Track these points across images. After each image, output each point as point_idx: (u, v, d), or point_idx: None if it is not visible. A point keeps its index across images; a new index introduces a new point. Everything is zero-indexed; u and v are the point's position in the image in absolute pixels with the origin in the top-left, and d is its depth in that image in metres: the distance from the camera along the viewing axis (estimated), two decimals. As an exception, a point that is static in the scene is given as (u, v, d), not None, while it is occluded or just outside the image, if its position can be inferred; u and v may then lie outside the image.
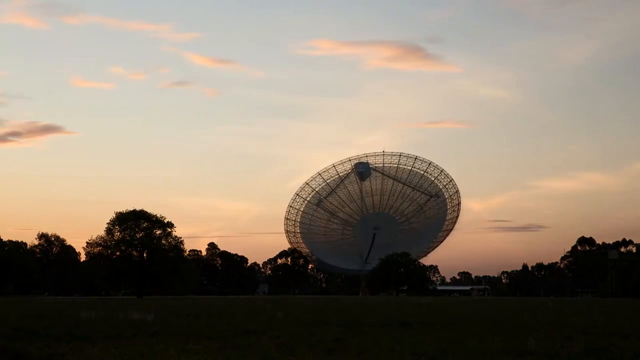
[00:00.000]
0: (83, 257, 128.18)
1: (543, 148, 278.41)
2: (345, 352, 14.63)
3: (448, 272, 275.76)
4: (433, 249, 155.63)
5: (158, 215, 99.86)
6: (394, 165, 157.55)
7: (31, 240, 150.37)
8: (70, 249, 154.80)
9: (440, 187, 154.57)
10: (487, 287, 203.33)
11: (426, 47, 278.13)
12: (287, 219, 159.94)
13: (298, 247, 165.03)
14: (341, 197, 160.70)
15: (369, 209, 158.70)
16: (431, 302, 62.07)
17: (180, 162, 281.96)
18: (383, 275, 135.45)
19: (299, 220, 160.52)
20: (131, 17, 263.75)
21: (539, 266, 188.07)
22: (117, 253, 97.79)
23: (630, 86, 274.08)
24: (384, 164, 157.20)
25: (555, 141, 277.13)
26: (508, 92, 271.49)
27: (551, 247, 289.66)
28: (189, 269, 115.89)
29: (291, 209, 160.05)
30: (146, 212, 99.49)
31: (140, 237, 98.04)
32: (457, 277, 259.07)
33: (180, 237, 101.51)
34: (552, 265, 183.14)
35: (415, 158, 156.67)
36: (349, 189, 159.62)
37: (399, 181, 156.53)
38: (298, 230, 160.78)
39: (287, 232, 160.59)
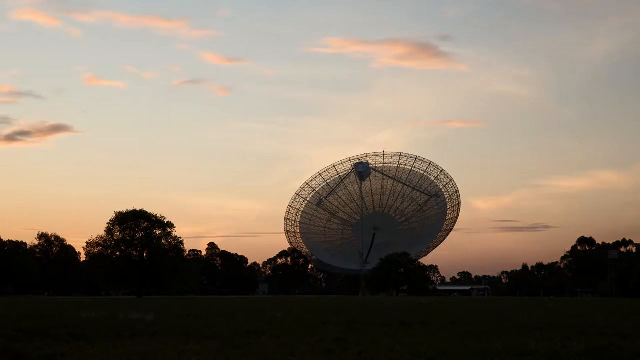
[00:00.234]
0: (83, 257, 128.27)
1: (555, 146, 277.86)
2: (345, 352, 14.63)
3: (448, 272, 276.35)
4: (433, 249, 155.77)
5: (158, 215, 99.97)
6: (394, 165, 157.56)
7: (31, 240, 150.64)
8: (70, 249, 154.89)
9: (440, 187, 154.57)
10: (487, 287, 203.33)
11: (438, 44, 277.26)
12: (287, 219, 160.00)
13: (298, 247, 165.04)
14: (341, 197, 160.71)
15: (369, 209, 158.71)
16: (431, 302, 62.06)
17: (188, 161, 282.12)
18: (383, 275, 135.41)
19: (299, 220, 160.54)
20: (143, 13, 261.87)
21: (539, 266, 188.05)
22: (117, 253, 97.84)
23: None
24: (384, 164, 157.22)
25: (568, 139, 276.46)
26: (521, 90, 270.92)
27: (551, 247, 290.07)
28: (189, 269, 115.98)
29: (291, 209, 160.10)
30: (146, 212, 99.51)
31: (140, 237, 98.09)
32: (457, 277, 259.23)
33: (180, 237, 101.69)
34: (552, 265, 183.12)
35: (415, 158, 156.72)
36: (349, 189, 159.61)
37: (399, 181, 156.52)
38: (298, 230, 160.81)
39: (287, 232, 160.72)
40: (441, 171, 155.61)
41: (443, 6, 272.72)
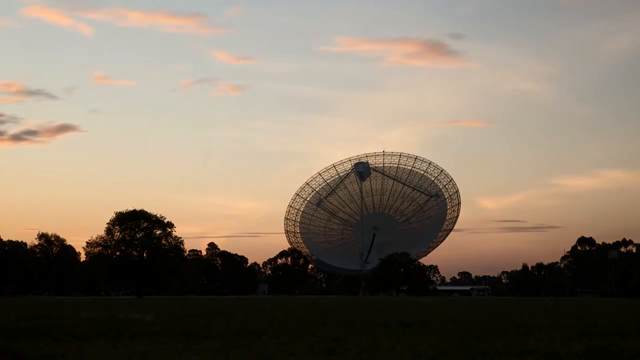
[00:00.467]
0: (83, 257, 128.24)
1: (564, 145, 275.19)
2: (345, 352, 14.62)
3: (448, 272, 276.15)
4: (433, 249, 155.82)
5: (158, 215, 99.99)
6: (394, 165, 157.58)
7: (31, 240, 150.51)
8: (70, 249, 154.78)
9: (440, 187, 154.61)
10: (487, 287, 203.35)
11: (450, 42, 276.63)
12: (287, 219, 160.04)
13: (298, 247, 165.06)
14: (341, 197, 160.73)
15: (368, 209, 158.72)
16: (431, 302, 62.06)
17: (194, 160, 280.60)
18: (383, 275, 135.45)
19: (299, 220, 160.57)
20: (153, 11, 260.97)
21: (539, 266, 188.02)
22: (117, 253, 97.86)
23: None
24: (384, 164, 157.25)
25: (579, 138, 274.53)
26: (534, 88, 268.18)
27: (551, 247, 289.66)
28: (188, 269, 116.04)
29: (291, 209, 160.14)
30: (146, 212, 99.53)
31: (140, 237, 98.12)
32: (457, 277, 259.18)
33: (180, 237, 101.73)
34: (552, 265, 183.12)
35: (415, 158, 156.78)
36: (349, 189, 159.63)
37: (399, 181, 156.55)
38: (298, 230, 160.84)
39: (287, 232, 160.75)
40: (441, 171, 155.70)
41: (455, 3, 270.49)
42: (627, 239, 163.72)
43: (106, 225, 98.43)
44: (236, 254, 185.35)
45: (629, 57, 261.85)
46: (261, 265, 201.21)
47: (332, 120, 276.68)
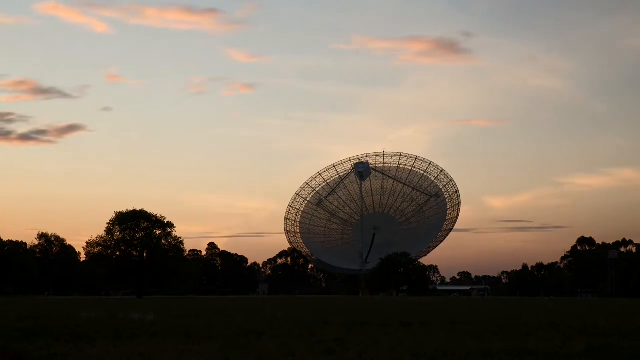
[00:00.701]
0: (83, 257, 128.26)
1: (578, 143, 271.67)
2: (345, 352, 14.63)
3: (448, 272, 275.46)
4: (433, 249, 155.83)
5: (158, 215, 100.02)
6: (394, 165, 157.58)
7: (31, 240, 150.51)
8: (70, 249, 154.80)
9: (440, 187, 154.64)
10: (487, 287, 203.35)
11: (462, 41, 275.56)
12: (287, 219, 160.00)
13: (298, 247, 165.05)
14: (341, 197, 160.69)
15: (369, 209, 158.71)
16: (431, 302, 62.08)
17: (201, 159, 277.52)
18: (383, 275, 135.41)
19: (298, 220, 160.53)
20: (168, 7, 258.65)
21: (539, 266, 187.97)
22: (117, 253, 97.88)
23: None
24: (384, 164, 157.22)
25: (590, 136, 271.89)
26: (552, 85, 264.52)
27: (551, 247, 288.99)
28: (188, 269, 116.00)
29: (291, 209, 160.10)
30: (146, 212, 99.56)
31: (140, 237, 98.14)
32: (457, 277, 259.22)
33: (180, 237, 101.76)
34: (552, 265, 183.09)
35: (416, 158, 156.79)
36: (349, 189, 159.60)
37: (399, 181, 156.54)
38: (298, 230, 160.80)
39: (287, 232, 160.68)
40: (441, 171, 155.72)
41: (467, 1, 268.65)
42: (627, 239, 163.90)
43: (106, 225, 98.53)
44: (236, 254, 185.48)
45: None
46: (261, 265, 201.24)
47: (343, 118, 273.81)
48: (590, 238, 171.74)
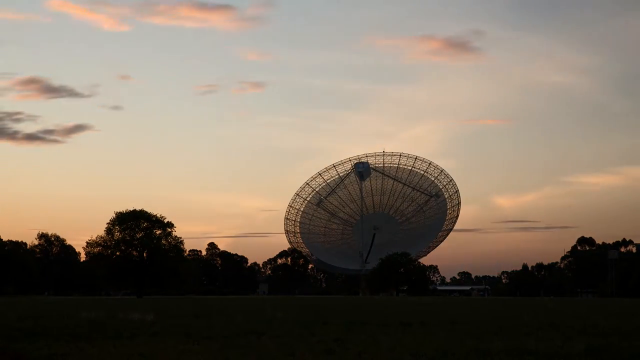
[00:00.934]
0: (83, 257, 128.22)
1: (592, 141, 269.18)
2: (345, 352, 14.63)
3: (448, 272, 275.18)
4: (433, 249, 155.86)
5: (158, 215, 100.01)
6: (394, 165, 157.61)
7: (31, 240, 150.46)
8: (70, 249, 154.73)
9: (440, 187, 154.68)
10: (487, 287, 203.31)
11: (473, 39, 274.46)
12: (287, 218, 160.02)
13: (298, 247, 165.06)
14: (341, 197, 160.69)
15: (368, 209, 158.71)
16: (431, 302, 62.08)
17: (206, 159, 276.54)
18: (383, 275, 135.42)
19: (298, 220, 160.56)
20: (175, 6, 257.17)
21: (539, 266, 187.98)
22: (117, 253, 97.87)
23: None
24: (384, 163, 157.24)
25: (607, 134, 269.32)
26: (571, 81, 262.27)
27: (551, 247, 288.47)
28: (188, 269, 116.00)
29: (291, 209, 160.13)
30: (146, 212, 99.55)
31: (140, 237, 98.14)
32: (457, 277, 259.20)
33: (180, 237, 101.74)
34: (552, 265, 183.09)
35: (416, 158, 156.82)
36: (349, 189, 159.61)
37: (399, 181, 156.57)
38: (298, 230, 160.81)
39: (287, 232, 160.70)
40: (441, 171, 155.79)
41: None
42: (627, 239, 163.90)
43: (106, 225, 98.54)
44: (236, 254, 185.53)
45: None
46: (261, 265, 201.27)
47: (352, 117, 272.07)
48: (590, 238, 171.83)
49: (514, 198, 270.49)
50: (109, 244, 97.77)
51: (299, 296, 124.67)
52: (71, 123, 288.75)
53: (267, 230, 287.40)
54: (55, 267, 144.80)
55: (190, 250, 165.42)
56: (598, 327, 22.81)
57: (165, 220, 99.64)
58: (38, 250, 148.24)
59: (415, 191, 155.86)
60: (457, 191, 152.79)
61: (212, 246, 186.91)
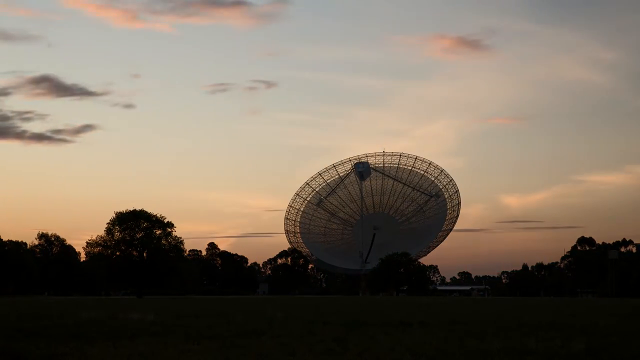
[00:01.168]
0: (83, 257, 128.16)
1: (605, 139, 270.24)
2: (346, 352, 14.62)
3: (448, 272, 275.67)
4: (433, 249, 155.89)
5: (158, 215, 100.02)
6: (394, 165, 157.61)
7: (31, 240, 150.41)
8: (70, 249, 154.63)
9: (440, 187, 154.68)
10: (487, 287, 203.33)
11: (485, 37, 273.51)
12: (287, 218, 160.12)
13: (298, 247, 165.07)
14: (341, 197, 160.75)
15: (369, 209, 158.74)
16: (431, 302, 62.07)
17: (221, 156, 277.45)
18: (383, 275, 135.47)
19: (299, 220, 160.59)
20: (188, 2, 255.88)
21: (539, 266, 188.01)
22: (117, 253, 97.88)
23: None
24: (384, 164, 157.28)
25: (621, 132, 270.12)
26: (591, 77, 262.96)
27: (551, 247, 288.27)
28: (188, 269, 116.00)
29: (291, 208, 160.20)
30: (146, 212, 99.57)
31: (140, 237, 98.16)
32: (457, 277, 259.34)
33: (180, 237, 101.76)
34: (552, 265, 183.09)
35: (416, 158, 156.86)
36: (349, 189, 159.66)
37: (399, 181, 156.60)
38: (298, 230, 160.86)
39: (287, 232, 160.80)
40: (441, 171, 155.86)
41: None
42: (627, 239, 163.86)
43: (106, 225, 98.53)
44: (236, 254, 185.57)
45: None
46: (261, 265, 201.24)
47: (368, 114, 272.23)
48: (590, 238, 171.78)
49: (521, 198, 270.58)
50: (109, 244, 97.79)
51: (299, 296, 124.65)
52: (79, 122, 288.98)
53: (273, 230, 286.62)
54: (55, 267, 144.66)
55: (190, 250, 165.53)
56: (598, 327, 22.80)
57: (165, 220, 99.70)
58: (38, 250, 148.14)
59: (415, 191, 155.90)
60: (457, 191, 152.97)
61: (212, 246, 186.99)
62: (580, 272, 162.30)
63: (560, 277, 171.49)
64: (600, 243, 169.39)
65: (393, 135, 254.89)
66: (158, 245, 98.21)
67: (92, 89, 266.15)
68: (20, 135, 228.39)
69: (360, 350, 14.98)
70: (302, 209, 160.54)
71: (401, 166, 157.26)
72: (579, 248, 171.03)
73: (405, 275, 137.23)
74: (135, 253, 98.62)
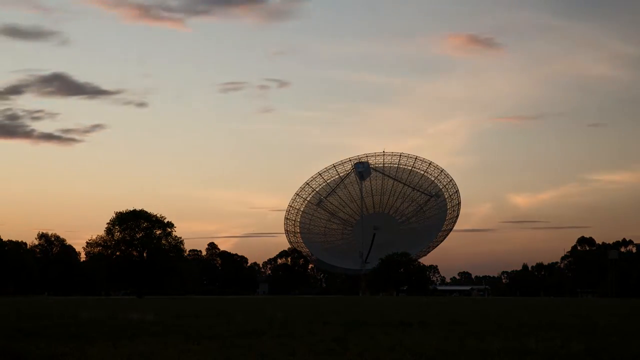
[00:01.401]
0: (83, 257, 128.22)
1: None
2: (346, 352, 14.62)
3: (448, 272, 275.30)
4: (433, 249, 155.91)
5: (158, 215, 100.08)
6: (394, 165, 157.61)
7: (31, 240, 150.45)
8: (70, 249, 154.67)
9: (440, 187, 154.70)
10: (487, 287, 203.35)
11: (496, 36, 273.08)
12: (287, 218, 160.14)
13: (298, 247, 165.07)
14: (341, 197, 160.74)
15: (369, 209, 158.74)
16: (431, 302, 62.07)
17: (229, 155, 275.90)
18: (383, 275, 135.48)
19: (299, 220, 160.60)
20: None
21: (539, 266, 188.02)
22: (117, 253, 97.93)
23: None
24: (384, 163, 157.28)
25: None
26: (609, 72, 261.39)
27: (551, 247, 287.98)
28: (188, 269, 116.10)
29: (291, 208, 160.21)
30: (146, 212, 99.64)
31: (140, 237, 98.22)
32: (457, 277, 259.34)
33: (180, 237, 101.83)
34: (552, 265, 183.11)
35: (416, 158, 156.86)
36: (349, 189, 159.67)
37: (399, 181, 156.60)
38: (298, 230, 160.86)
39: (287, 232, 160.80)
40: (441, 171, 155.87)
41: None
42: (627, 239, 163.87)
43: (106, 225, 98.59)
44: (236, 254, 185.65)
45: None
46: (261, 265, 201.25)
47: (378, 112, 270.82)
48: (590, 238, 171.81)
49: (526, 197, 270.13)
50: (109, 244, 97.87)
51: (299, 296, 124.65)
52: (90, 122, 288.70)
53: (277, 230, 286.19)
54: (55, 267, 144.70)
55: (190, 250, 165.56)
56: (598, 327, 22.80)
57: (165, 220, 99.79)
58: (38, 250, 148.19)
59: (415, 191, 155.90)
60: (457, 191, 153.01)
61: (212, 246, 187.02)
62: (580, 272, 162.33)
63: (560, 277, 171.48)
64: (600, 243, 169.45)
65: (404, 134, 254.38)
66: (158, 245, 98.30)
67: (103, 87, 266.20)
68: (29, 135, 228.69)
69: (360, 350, 14.98)
70: (302, 209, 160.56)
71: (401, 166, 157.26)
72: (579, 248, 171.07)
73: (405, 275, 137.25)
74: (135, 253, 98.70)
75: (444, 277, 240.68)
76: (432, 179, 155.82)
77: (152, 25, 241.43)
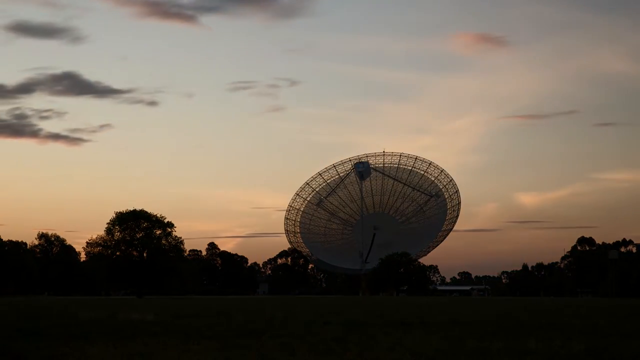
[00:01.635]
0: (83, 257, 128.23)
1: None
2: (346, 352, 14.62)
3: (448, 272, 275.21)
4: (433, 249, 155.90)
5: (158, 215, 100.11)
6: (394, 165, 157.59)
7: (31, 240, 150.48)
8: (70, 249, 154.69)
9: (441, 187, 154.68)
10: (487, 287, 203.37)
11: (507, 34, 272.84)
12: (287, 218, 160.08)
13: (298, 247, 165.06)
14: (341, 197, 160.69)
15: (369, 209, 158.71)
16: (431, 302, 62.06)
17: (236, 153, 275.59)
18: (383, 275, 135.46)
19: (299, 220, 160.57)
20: None
21: (539, 266, 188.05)
22: (117, 253, 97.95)
23: None
24: (384, 163, 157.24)
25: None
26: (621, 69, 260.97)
27: (551, 247, 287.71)
28: (188, 269, 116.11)
29: (291, 208, 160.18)
30: (146, 212, 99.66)
31: (140, 237, 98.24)
32: (457, 277, 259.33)
33: (180, 237, 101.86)
34: (552, 265, 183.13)
35: (416, 158, 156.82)
36: (349, 189, 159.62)
37: (399, 181, 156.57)
38: (298, 230, 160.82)
39: (287, 232, 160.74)
40: (441, 171, 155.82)
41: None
42: (627, 239, 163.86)
43: (106, 225, 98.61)
44: (236, 254, 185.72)
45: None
46: (261, 265, 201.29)
47: (391, 111, 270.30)
48: (590, 238, 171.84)
49: (529, 197, 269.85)
50: (109, 244, 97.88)
51: (299, 296, 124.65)
52: (97, 121, 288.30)
53: (279, 230, 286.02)
54: (55, 267, 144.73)
55: (190, 250, 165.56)
56: (598, 327, 22.80)
57: (166, 220, 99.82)
58: (38, 250, 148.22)
59: (415, 191, 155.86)
60: (457, 191, 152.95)
61: (212, 246, 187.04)
62: (580, 272, 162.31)
63: (560, 277, 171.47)
64: (600, 243, 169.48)
65: (416, 132, 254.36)
66: (158, 245, 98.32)
67: (114, 86, 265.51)
68: (36, 134, 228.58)
69: (360, 350, 14.98)
70: (302, 209, 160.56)
71: (401, 166, 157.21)
72: (579, 248, 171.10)
73: (405, 275, 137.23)
74: (135, 253, 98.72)
75: (444, 277, 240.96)
76: (432, 179, 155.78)
77: (163, 23, 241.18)
